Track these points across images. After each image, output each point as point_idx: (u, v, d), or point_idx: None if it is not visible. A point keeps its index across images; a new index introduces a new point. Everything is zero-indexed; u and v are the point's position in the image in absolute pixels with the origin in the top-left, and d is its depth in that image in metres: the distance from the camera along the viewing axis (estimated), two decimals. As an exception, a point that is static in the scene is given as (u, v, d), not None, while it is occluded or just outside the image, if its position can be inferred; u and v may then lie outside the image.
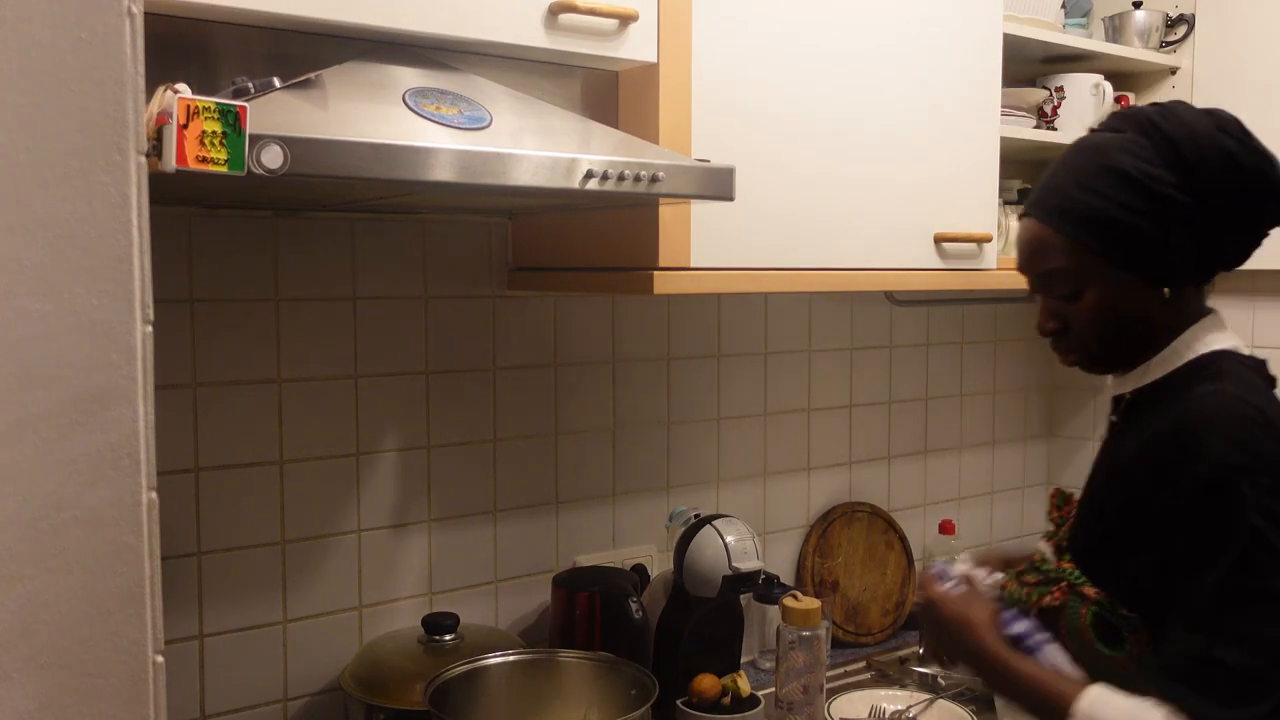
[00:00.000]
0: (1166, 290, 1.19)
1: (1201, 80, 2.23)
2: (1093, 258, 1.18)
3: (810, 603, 1.63)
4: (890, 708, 1.78)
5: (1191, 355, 1.20)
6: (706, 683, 1.63)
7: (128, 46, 0.83)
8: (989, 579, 1.29)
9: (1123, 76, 2.26)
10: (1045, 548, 1.30)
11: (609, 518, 1.93)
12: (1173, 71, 2.27)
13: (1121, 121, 1.20)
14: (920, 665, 1.92)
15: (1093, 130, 1.24)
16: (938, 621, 1.24)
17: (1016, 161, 2.31)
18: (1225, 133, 1.16)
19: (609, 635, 1.67)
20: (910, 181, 1.76)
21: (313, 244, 1.61)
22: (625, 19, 1.43)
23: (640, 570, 1.86)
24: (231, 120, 0.96)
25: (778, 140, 1.60)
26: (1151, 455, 1.15)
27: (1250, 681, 1.03)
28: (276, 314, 1.58)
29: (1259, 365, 1.20)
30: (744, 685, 1.65)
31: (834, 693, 1.84)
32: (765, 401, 2.12)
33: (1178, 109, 1.19)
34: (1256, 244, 1.23)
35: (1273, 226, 1.22)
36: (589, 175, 1.23)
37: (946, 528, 2.31)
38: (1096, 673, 1.14)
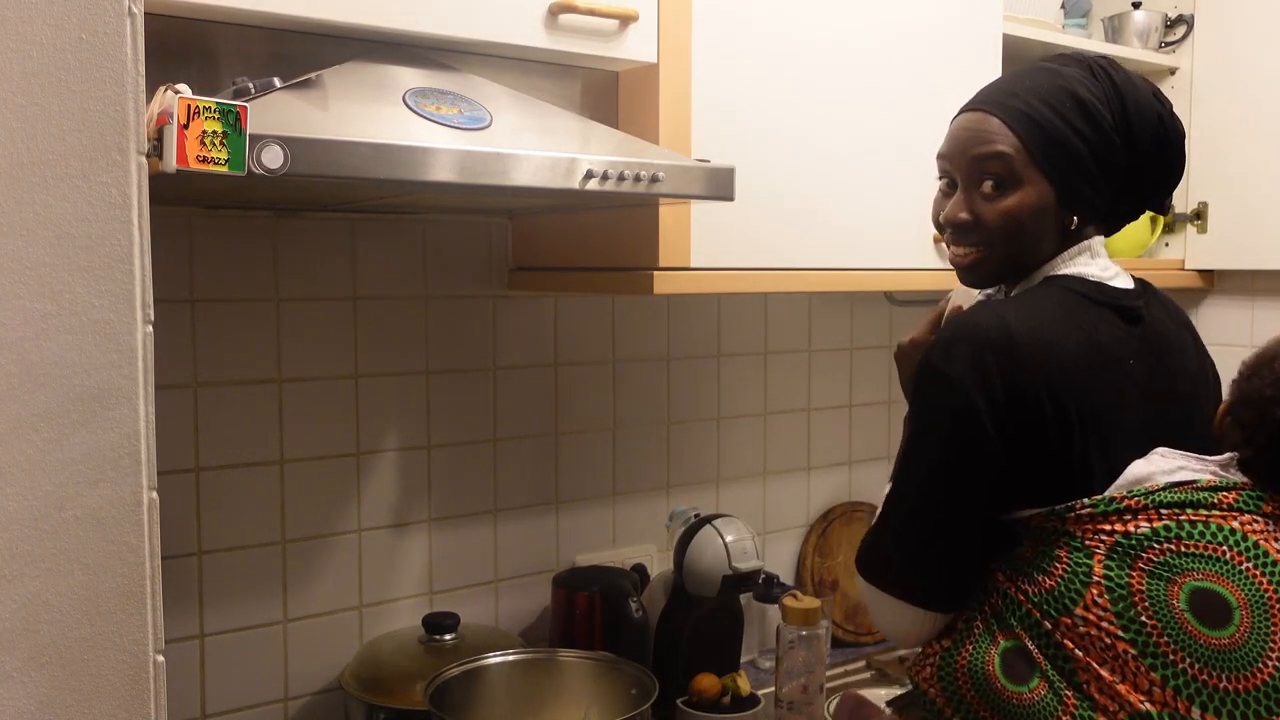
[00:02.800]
0: (1074, 219, 1.24)
1: (1201, 80, 2.23)
2: (1032, 162, 1.22)
3: (810, 602, 1.63)
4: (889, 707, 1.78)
5: (1039, 279, 1.25)
6: (706, 682, 1.63)
7: (128, 46, 0.83)
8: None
9: (1122, 76, 2.26)
10: None
11: (609, 518, 1.93)
12: (1172, 72, 2.27)
13: (1074, 61, 1.27)
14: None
15: (1048, 59, 1.30)
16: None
17: (1016, 161, 2.31)
18: (1158, 100, 1.26)
19: (609, 635, 1.67)
20: (910, 181, 1.76)
21: (313, 244, 1.61)
22: (625, 19, 1.43)
23: (640, 570, 1.86)
24: (232, 120, 0.96)
25: (778, 140, 1.60)
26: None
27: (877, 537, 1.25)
28: (276, 314, 1.58)
29: (1096, 289, 1.22)
30: (744, 685, 1.65)
31: (834, 692, 1.84)
32: (765, 401, 2.12)
33: (1119, 67, 1.27)
34: (1140, 211, 1.32)
35: (1164, 196, 1.31)
36: (589, 175, 1.23)
37: (946, 528, 2.31)
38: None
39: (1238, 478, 1.13)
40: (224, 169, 0.96)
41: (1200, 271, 2.28)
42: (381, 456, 1.69)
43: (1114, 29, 2.28)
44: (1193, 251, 2.27)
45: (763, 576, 1.71)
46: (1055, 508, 1.13)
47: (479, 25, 1.33)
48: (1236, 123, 2.18)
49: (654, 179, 1.28)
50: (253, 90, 1.09)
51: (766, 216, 1.59)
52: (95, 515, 0.83)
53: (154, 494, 0.86)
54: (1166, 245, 2.31)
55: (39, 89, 0.80)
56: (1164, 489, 1.11)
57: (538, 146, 1.22)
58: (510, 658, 1.55)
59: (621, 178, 1.25)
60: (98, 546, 0.83)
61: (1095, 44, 2.18)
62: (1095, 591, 1.08)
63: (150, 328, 0.85)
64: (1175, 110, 1.27)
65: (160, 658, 0.87)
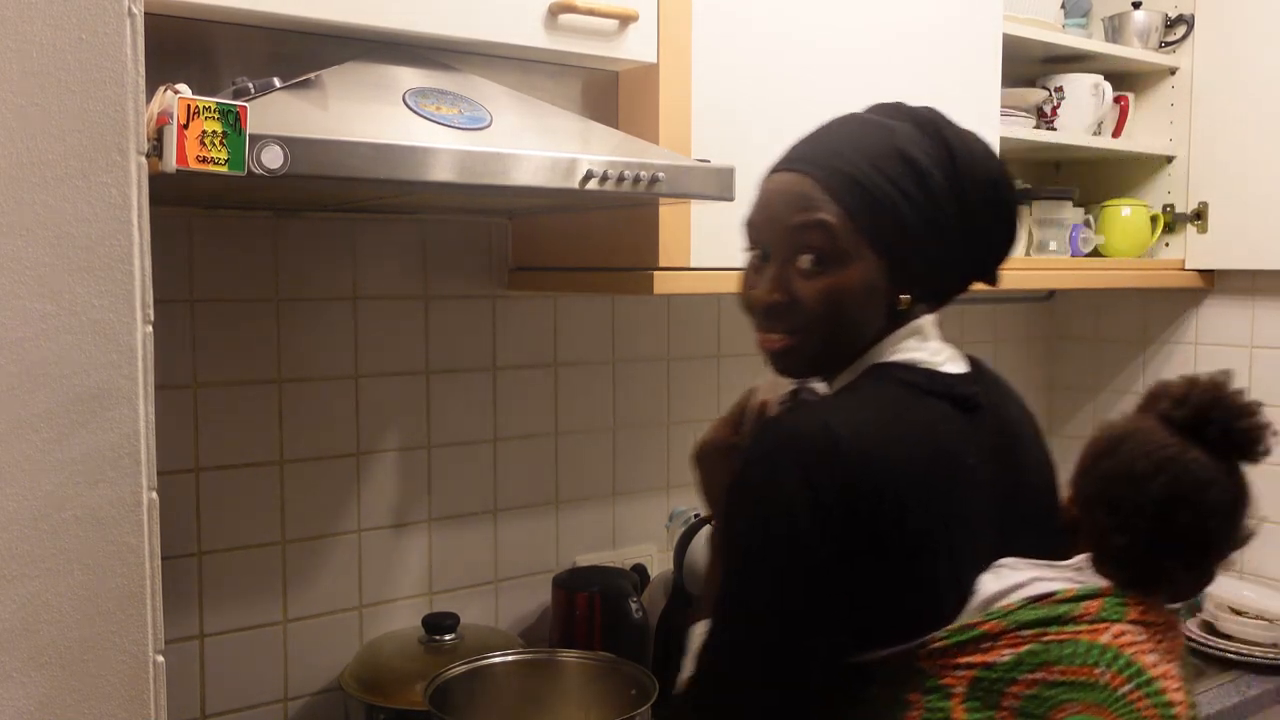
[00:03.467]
0: (904, 299, 1.07)
1: (1201, 80, 2.23)
2: (858, 233, 1.04)
3: (810, 603, 1.62)
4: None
5: (862, 369, 1.08)
6: (706, 683, 1.63)
7: (128, 46, 0.83)
8: None
9: (1122, 77, 2.26)
10: None
11: (609, 518, 1.93)
12: (1172, 72, 2.27)
13: (899, 114, 1.11)
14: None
15: (868, 111, 1.15)
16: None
17: (1016, 161, 2.31)
18: (992, 159, 1.10)
19: (609, 635, 1.67)
20: (910, 181, 1.76)
21: (313, 244, 1.61)
22: (625, 19, 1.43)
23: (640, 570, 1.86)
24: (232, 120, 0.96)
25: (778, 140, 1.59)
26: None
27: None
28: (276, 314, 1.58)
29: (931, 379, 1.06)
30: (744, 685, 1.64)
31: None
32: (765, 401, 2.12)
33: (949, 121, 1.11)
34: (968, 284, 1.15)
35: (997, 266, 1.16)
36: (589, 175, 1.23)
37: (946, 528, 2.31)
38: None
39: (1098, 582, 0.98)
40: (224, 169, 0.96)
41: (1200, 271, 2.28)
42: (381, 456, 1.69)
43: (1114, 29, 2.28)
44: (1193, 251, 2.27)
45: (763, 576, 1.71)
46: (908, 645, 0.97)
47: (479, 25, 1.33)
48: (1236, 123, 2.18)
49: (654, 179, 1.28)
50: (253, 90, 1.09)
51: (766, 216, 1.59)
52: (95, 515, 0.83)
53: (154, 494, 0.86)
54: (1166, 245, 2.31)
55: (39, 89, 0.80)
56: (1021, 606, 0.96)
57: (538, 146, 1.22)
58: (510, 658, 1.55)
59: (621, 178, 1.25)
60: (98, 546, 0.83)
61: (1095, 44, 2.18)
62: None
63: (150, 328, 0.85)
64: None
65: (160, 658, 0.87)
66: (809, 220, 1.05)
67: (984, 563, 1.01)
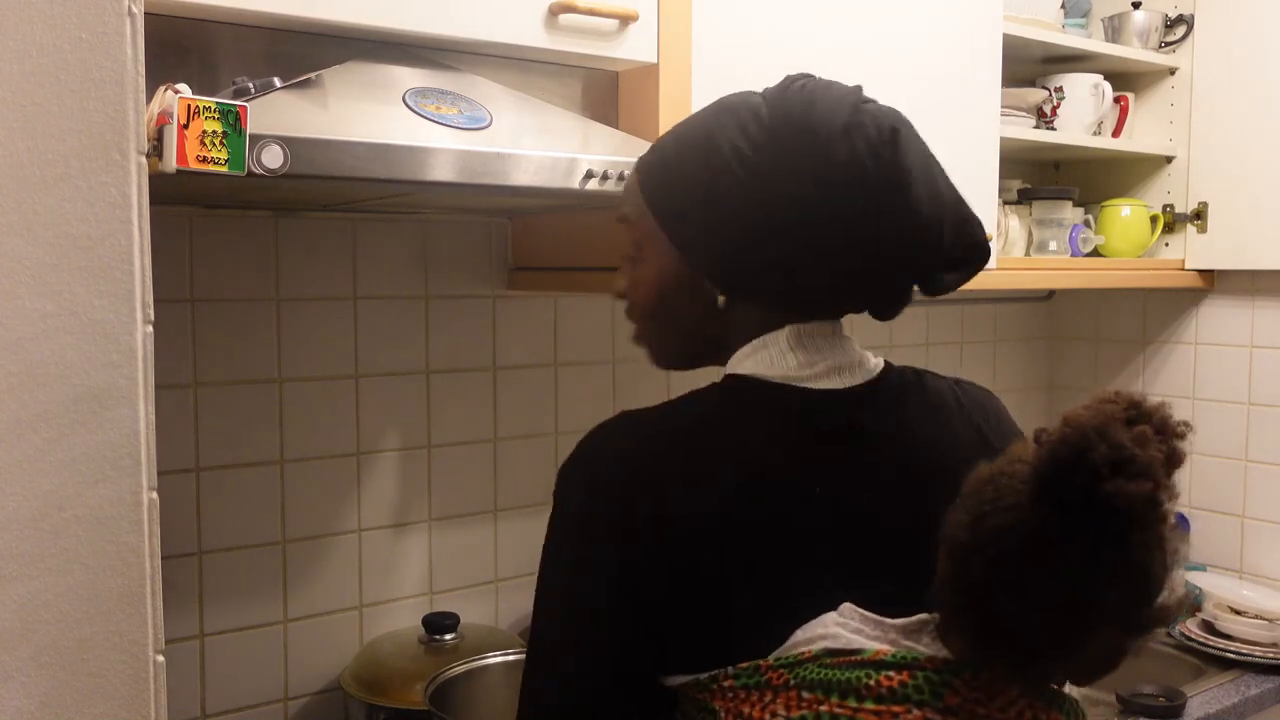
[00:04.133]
0: (721, 298, 0.97)
1: (1201, 80, 2.23)
2: (657, 222, 0.98)
3: (810, 603, 1.62)
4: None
5: (718, 379, 0.99)
6: (706, 683, 1.63)
7: (128, 46, 0.83)
8: None
9: (1122, 77, 2.26)
10: None
11: (609, 518, 1.93)
12: (1172, 72, 2.27)
13: (762, 92, 1.00)
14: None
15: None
16: None
17: (1016, 161, 2.31)
18: (853, 134, 0.91)
19: (609, 635, 1.66)
20: (910, 181, 1.76)
21: (313, 244, 1.61)
22: (625, 19, 1.43)
23: (640, 570, 1.86)
24: (232, 120, 0.96)
25: (777, 140, 1.60)
26: None
27: None
28: (276, 314, 1.58)
29: (779, 396, 0.94)
30: (744, 685, 1.64)
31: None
32: (765, 401, 2.12)
33: (814, 93, 0.95)
34: (891, 290, 0.97)
35: (912, 270, 0.95)
36: (589, 175, 1.23)
37: (946, 528, 2.31)
38: None
39: (925, 650, 0.83)
40: (224, 169, 0.96)
41: (1200, 271, 2.28)
42: (381, 456, 1.69)
43: (1114, 29, 2.28)
44: (1193, 251, 2.27)
45: (762, 576, 1.71)
46: (700, 677, 0.87)
47: (479, 25, 1.33)
48: (1236, 122, 2.18)
49: (654, 179, 1.28)
50: (253, 90, 1.09)
51: (766, 216, 1.59)
52: (95, 515, 0.83)
53: (154, 494, 0.86)
54: (1166, 245, 2.31)
55: (39, 89, 0.80)
56: (816, 657, 0.84)
57: (538, 146, 1.22)
58: (510, 658, 1.55)
59: (621, 178, 1.25)
60: (98, 546, 0.83)
61: (1095, 44, 2.18)
62: None
63: (150, 328, 0.85)
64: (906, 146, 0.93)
65: (160, 658, 0.87)
66: (618, 215, 1.03)
67: (821, 601, 0.87)
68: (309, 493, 1.62)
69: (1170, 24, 2.26)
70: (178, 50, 1.22)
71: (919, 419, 0.96)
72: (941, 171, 0.97)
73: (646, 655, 0.89)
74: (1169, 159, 2.29)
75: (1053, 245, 2.13)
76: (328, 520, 1.64)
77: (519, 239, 1.77)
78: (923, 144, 0.96)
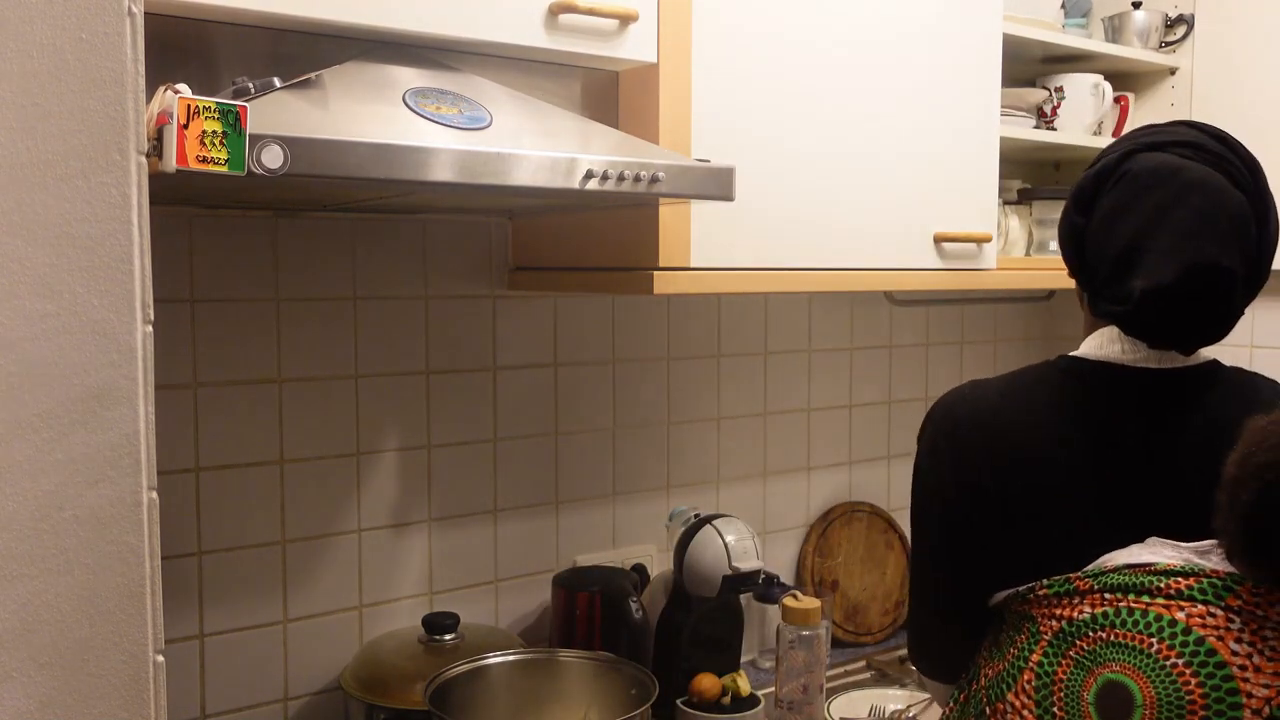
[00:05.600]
0: (1083, 300, 1.22)
1: (1200, 81, 2.23)
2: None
3: (810, 602, 1.63)
4: (890, 707, 1.78)
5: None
6: (706, 682, 1.63)
7: (128, 46, 0.83)
8: None
9: (1122, 77, 2.26)
10: None
11: (609, 518, 1.93)
12: (1172, 72, 2.27)
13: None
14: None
15: None
16: None
17: (1016, 161, 2.31)
18: (1109, 159, 1.17)
19: (609, 635, 1.67)
20: (910, 181, 1.76)
21: (313, 244, 1.61)
22: (625, 19, 1.43)
23: (640, 570, 1.86)
24: (232, 120, 0.96)
25: (778, 140, 1.60)
26: None
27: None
28: (276, 314, 1.58)
29: (1096, 371, 1.15)
30: (744, 685, 1.65)
31: (834, 692, 1.84)
32: (765, 401, 2.12)
33: (1146, 137, 1.18)
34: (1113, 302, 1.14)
35: (1110, 288, 1.14)
36: (589, 175, 1.23)
37: (946, 528, 2.31)
38: None
39: (1208, 563, 1.03)
40: (224, 169, 0.96)
41: (1200, 271, 2.27)
42: (381, 456, 1.69)
43: (1114, 29, 2.28)
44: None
45: (763, 576, 1.71)
46: (1019, 590, 1.11)
47: (479, 25, 1.33)
48: (1236, 122, 2.16)
49: (654, 179, 1.28)
50: (253, 90, 1.09)
51: (766, 216, 1.59)
52: (95, 515, 0.83)
53: (154, 494, 0.86)
54: (1166, 245, 2.30)
55: (39, 89, 0.80)
56: (1115, 570, 1.05)
57: (538, 146, 1.22)
58: (510, 658, 1.55)
59: (621, 178, 1.25)
60: (98, 546, 0.83)
61: (1095, 44, 2.18)
62: (1027, 678, 1.06)
63: (150, 328, 0.85)
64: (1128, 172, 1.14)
65: (160, 658, 0.87)
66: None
67: (1125, 535, 1.08)
68: (309, 493, 1.62)
69: (1170, 24, 2.26)
70: (178, 50, 1.22)
71: (1224, 400, 1.14)
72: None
73: (984, 573, 1.14)
74: (1169, 159, 2.28)
75: (1053, 245, 2.13)
76: (327, 520, 1.64)
77: (519, 239, 1.77)
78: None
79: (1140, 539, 1.08)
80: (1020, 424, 1.14)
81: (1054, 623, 1.06)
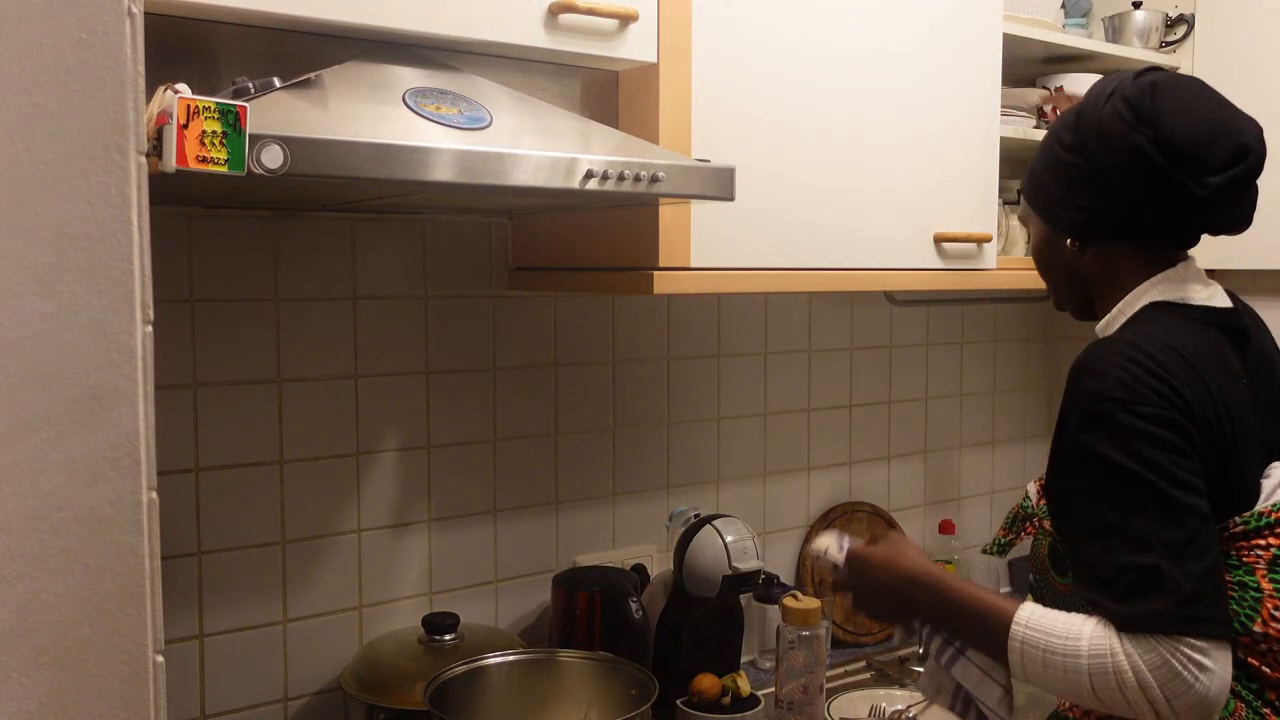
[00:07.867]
0: (1070, 242, 1.29)
1: (1201, 80, 2.23)
2: (1028, 205, 1.34)
3: (810, 603, 1.63)
4: (890, 707, 1.78)
5: (1131, 312, 1.25)
6: (706, 683, 1.63)
7: (128, 46, 0.83)
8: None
9: (1122, 76, 2.26)
10: (1032, 488, 1.40)
11: (609, 518, 1.93)
12: (1172, 71, 2.27)
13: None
14: (920, 665, 1.92)
15: None
16: (864, 571, 1.32)
17: (1016, 161, 2.30)
18: (1119, 99, 1.22)
19: (609, 635, 1.67)
20: (910, 181, 1.76)
21: (313, 244, 1.61)
22: (625, 19, 1.43)
23: (640, 570, 1.86)
24: (231, 120, 0.96)
25: (778, 140, 1.60)
26: (1061, 402, 1.22)
27: (1148, 578, 1.08)
28: (276, 314, 1.58)
29: (1203, 312, 1.24)
30: (744, 685, 1.65)
31: (834, 693, 1.84)
32: (765, 401, 2.12)
33: (1110, 85, 1.26)
34: (1194, 216, 1.24)
35: (1183, 217, 1.24)
36: (589, 175, 1.23)
37: (946, 527, 2.31)
38: (1052, 600, 1.25)
39: None
40: (224, 169, 0.96)
41: (1200, 271, 2.28)
42: (381, 456, 1.69)
43: (1114, 29, 2.28)
44: (1193, 251, 2.26)
45: (763, 577, 1.71)
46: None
47: (479, 25, 1.33)
48: (1236, 123, 2.18)
49: (654, 179, 1.28)
50: (253, 90, 1.09)
51: (766, 216, 1.59)
52: (95, 515, 0.83)
53: (154, 494, 0.86)
54: (1166, 245, 2.30)
55: (39, 89, 0.79)
56: None
57: (538, 146, 1.22)
58: (510, 658, 1.55)
59: (621, 178, 1.25)
60: (98, 546, 0.83)
61: (1095, 44, 2.18)
62: (1271, 605, 1.11)
63: (150, 328, 0.85)
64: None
65: (160, 658, 0.87)
66: (1020, 218, 1.50)
67: (1260, 466, 1.19)
68: (309, 493, 1.62)
69: (1170, 24, 2.26)
70: (178, 50, 1.22)
71: (1258, 329, 1.31)
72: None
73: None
74: (1169, 159, 2.28)
75: (1053, 245, 2.13)
76: (327, 520, 1.64)
77: (519, 239, 1.77)
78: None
79: (1264, 465, 1.19)
80: (1201, 359, 1.17)
81: (1260, 552, 1.13)
